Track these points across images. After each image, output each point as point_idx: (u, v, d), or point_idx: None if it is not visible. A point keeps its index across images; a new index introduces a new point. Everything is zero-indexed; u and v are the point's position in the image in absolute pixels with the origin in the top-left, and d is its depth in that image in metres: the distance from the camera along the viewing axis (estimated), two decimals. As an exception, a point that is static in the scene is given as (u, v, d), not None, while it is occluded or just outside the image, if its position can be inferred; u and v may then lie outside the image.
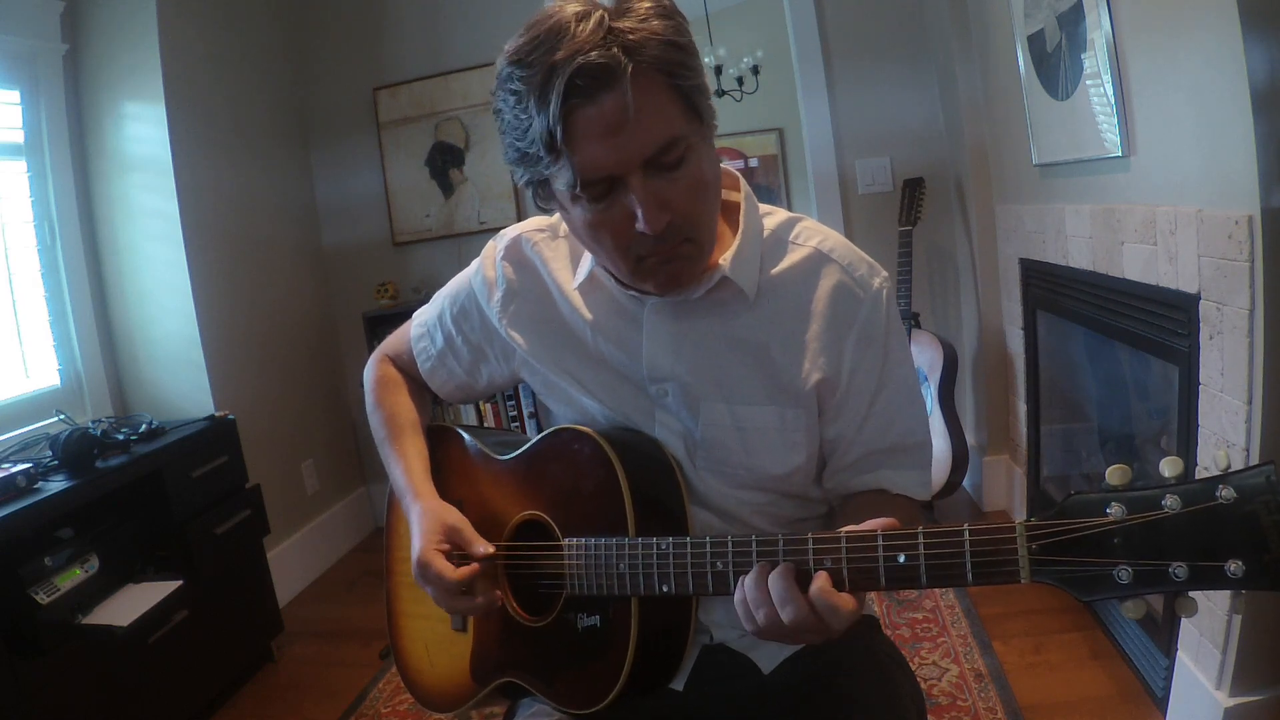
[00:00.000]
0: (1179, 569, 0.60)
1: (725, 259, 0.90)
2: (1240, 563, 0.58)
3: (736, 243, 0.91)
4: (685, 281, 0.89)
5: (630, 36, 0.75)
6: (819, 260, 0.93)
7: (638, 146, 0.77)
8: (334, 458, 3.33)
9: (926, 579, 0.69)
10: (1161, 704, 1.72)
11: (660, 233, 0.80)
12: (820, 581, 0.72)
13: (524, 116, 0.78)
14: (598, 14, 0.76)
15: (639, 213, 0.79)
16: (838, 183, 2.95)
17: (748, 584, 0.76)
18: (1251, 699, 1.47)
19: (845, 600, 0.72)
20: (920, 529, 0.70)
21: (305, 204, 3.38)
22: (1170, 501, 0.60)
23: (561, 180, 0.80)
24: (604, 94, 0.75)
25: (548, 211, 0.93)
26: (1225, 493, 0.58)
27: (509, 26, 0.81)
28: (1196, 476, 1.50)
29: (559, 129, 0.76)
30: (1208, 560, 0.59)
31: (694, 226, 0.84)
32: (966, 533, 0.67)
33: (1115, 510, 0.62)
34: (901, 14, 2.86)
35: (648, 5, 0.78)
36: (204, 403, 2.61)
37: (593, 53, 0.74)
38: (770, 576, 0.74)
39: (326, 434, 3.29)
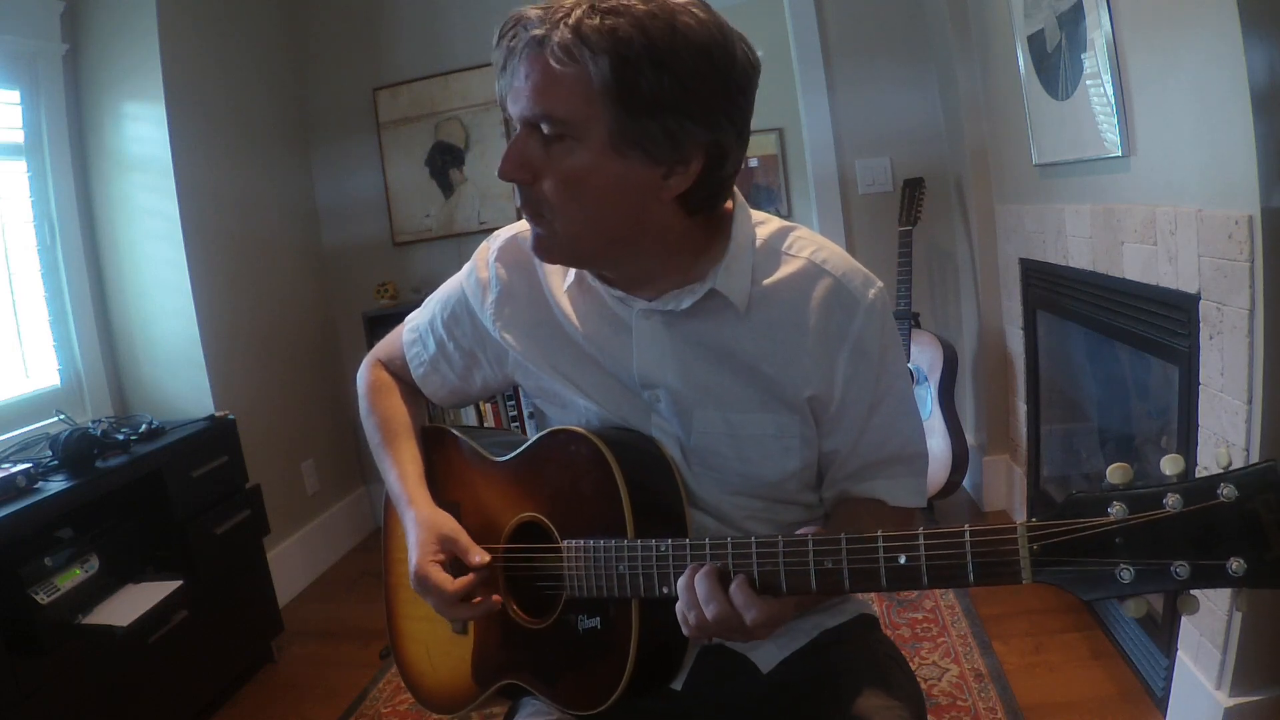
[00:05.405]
0: (1180, 568, 0.60)
1: (714, 271, 0.89)
2: (1242, 561, 0.58)
3: (727, 254, 0.90)
4: (539, 252, 0.90)
5: (593, 22, 0.77)
6: (812, 272, 0.91)
7: (524, 104, 0.82)
8: (334, 458, 3.33)
9: (928, 580, 0.69)
10: (1161, 704, 1.72)
11: (508, 179, 0.84)
12: (739, 581, 0.77)
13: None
14: None
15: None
16: (838, 183, 2.95)
17: (680, 586, 0.80)
18: (1251, 699, 1.47)
19: (761, 605, 0.77)
20: (921, 530, 0.70)
21: (305, 204, 3.38)
22: (1172, 500, 0.60)
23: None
24: (531, 51, 0.80)
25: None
26: (1226, 491, 0.58)
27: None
28: (1197, 475, 1.51)
29: (499, 65, 0.84)
30: (1209, 559, 0.59)
31: (547, 207, 0.85)
32: (968, 533, 0.68)
33: (1117, 510, 0.62)
34: (901, 14, 2.86)
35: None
36: (204, 403, 2.61)
37: (555, 30, 0.78)
38: (696, 577, 0.79)
39: (326, 434, 3.29)
